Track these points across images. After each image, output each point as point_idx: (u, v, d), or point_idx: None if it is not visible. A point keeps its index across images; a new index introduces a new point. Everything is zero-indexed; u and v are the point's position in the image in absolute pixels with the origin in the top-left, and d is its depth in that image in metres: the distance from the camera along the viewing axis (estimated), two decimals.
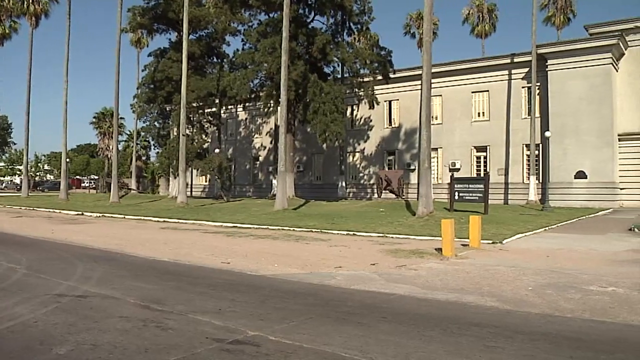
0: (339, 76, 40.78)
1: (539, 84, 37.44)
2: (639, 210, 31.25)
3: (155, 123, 49.27)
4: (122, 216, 29.06)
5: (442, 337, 6.43)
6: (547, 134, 32.94)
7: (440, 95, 42.06)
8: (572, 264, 12.31)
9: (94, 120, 79.52)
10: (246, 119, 56.83)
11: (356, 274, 11.07)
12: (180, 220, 25.70)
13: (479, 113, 41.55)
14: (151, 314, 7.49)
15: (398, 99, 45.21)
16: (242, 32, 43.83)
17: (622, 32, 35.62)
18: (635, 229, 19.76)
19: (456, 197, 27.05)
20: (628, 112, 36.30)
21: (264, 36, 37.75)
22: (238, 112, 56.45)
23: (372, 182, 45.49)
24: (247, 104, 46.17)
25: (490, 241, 16.04)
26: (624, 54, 36.54)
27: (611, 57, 35.32)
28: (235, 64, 43.76)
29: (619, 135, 36.05)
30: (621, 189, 35.78)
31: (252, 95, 41.67)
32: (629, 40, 36.26)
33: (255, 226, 22.24)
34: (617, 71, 36.44)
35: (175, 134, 44.16)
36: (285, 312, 7.74)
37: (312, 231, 20.11)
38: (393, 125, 46.02)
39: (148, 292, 9.18)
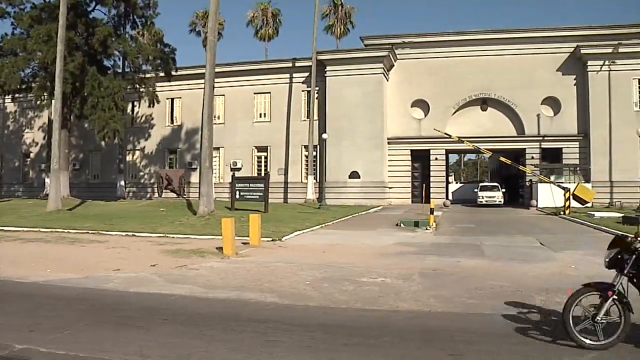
0: (120, 71, 38.93)
1: (318, 88, 39.23)
2: (404, 207, 34.32)
3: None
4: None
5: (223, 335, 6.46)
6: (324, 136, 34.86)
7: (223, 95, 42.23)
8: (346, 258, 13.08)
9: None
10: (15, 111, 51.64)
11: (135, 276, 10.71)
12: None
13: (260, 114, 42.47)
14: None
15: (181, 97, 44.49)
16: (12, 15, 39.71)
17: (392, 46, 38.84)
18: (401, 224, 21.67)
19: (237, 196, 27.44)
20: (396, 118, 39.66)
21: (38, 22, 34.70)
22: (6, 104, 51.16)
23: (152, 181, 44.27)
24: (16, 95, 41.80)
25: (270, 239, 16.47)
26: (393, 65, 39.79)
27: (383, 68, 38.29)
28: (3, 49, 39.49)
29: (388, 139, 39.26)
30: (390, 188, 39.05)
31: (23, 86, 37.88)
32: (398, 54, 39.59)
33: (26, 229, 20.42)
34: (387, 81, 39.55)
35: None
36: (58, 321, 7.23)
37: (88, 233, 19.09)
38: (175, 124, 45.26)
39: None
